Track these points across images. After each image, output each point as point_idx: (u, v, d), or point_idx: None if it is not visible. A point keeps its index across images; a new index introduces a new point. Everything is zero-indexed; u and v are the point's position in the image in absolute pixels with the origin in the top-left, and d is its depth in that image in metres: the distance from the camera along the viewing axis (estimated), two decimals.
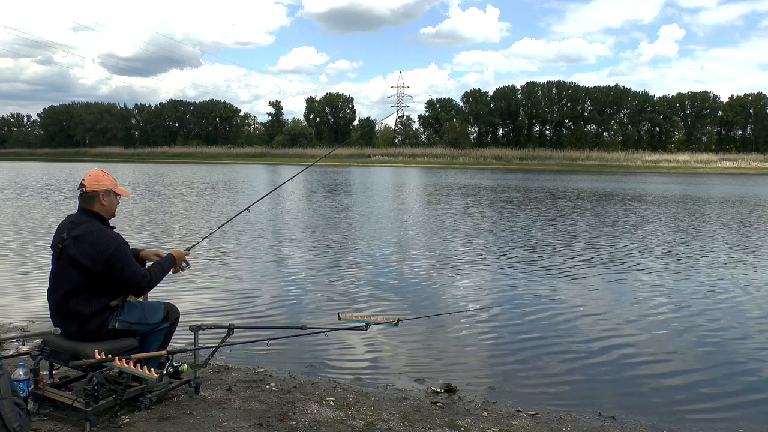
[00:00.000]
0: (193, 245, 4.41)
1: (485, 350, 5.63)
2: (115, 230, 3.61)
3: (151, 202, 20.55)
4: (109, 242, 3.44)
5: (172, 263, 3.85)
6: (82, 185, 3.57)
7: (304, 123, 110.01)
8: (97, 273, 3.42)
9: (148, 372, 3.21)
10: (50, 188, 27.18)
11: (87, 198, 3.56)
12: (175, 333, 3.94)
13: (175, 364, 3.68)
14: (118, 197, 3.70)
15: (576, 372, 5.04)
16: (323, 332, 4.60)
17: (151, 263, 3.81)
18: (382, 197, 25.55)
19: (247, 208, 5.00)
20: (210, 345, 4.13)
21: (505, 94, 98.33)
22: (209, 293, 7.54)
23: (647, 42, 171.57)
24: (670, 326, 6.41)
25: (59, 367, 3.65)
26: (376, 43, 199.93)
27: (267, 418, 3.64)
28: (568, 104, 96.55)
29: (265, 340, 4.50)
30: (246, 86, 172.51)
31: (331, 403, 4.01)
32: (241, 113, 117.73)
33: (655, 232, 14.55)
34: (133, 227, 13.57)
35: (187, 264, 4.00)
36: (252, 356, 5.11)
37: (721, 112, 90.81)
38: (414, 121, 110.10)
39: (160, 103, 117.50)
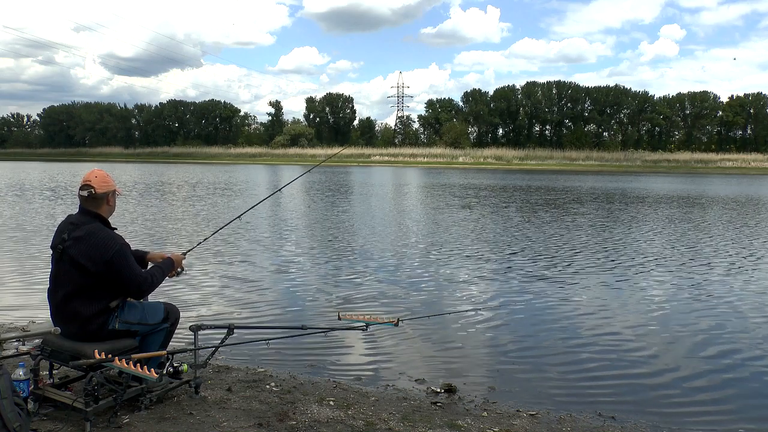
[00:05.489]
0: (189, 249, 4.41)
1: (485, 350, 5.63)
2: (116, 231, 3.61)
3: (155, 204, 20.55)
4: (111, 244, 3.44)
5: (171, 266, 3.86)
6: (89, 187, 3.50)
7: (304, 123, 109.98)
8: (98, 274, 3.41)
9: (148, 372, 3.21)
10: (50, 188, 27.17)
11: (95, 200, 3.52)
12: (175, 333, 3.95)
13: (175, 364, 3.68)
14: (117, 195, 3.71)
15: (576, 372, 5.05)
16: (323, 332, 4.60)
17: (152, 266, 3.81)
18: (383, 198, 25.55)
19: (238, 216, 5.05)
20: (210, 345, 4.13)
21: (505, 94, 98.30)
22: (209, 293, 7.54)
23: (648, 42, 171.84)
24: (671, 326, 6.41)
25: (59, 367, 3.65)
26: (376, 44, 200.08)
27: (267, 418, 3.64)
28: (568, 104, 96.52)
29: (265, 340, 4.50)
30: (247, 86, 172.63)
31: (331, 403, 4.01)
32: (241, 113, 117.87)
33: (660, 233, 14.55)
34: (135, 229, 13.57)
35: (183, 269, 4.01)
36: (252, 356, 5.11)
37: (721, 112, 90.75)
38: (414, 121, 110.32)
39: (160, 103, 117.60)
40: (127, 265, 3.50)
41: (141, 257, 3.85)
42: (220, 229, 5.30)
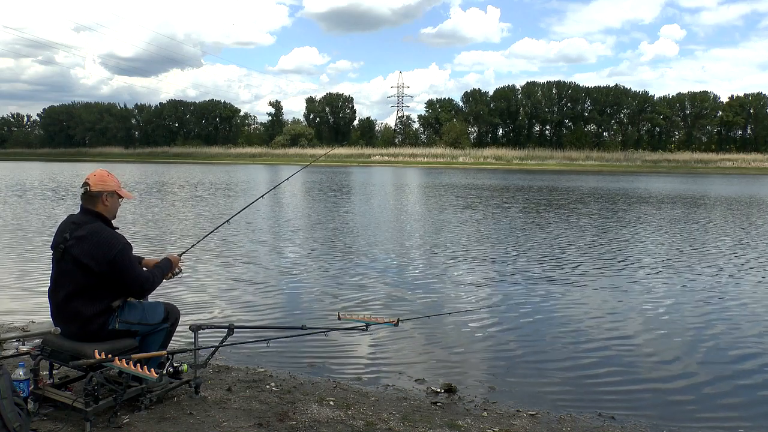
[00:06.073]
0: (185, 251, 4.42)
1: (485, 350, 5.63)
2: (118, 231, 3.61)
3: (156, 204, 20.54)
4: (113, 244, 3.45)
5: (169, 267, 3.87)
6: (86, 184, 3.55)
7: (304, 123, 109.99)
8: (100, 274, 3.41)
9: (148, 372, 3.22)
10: (50, 189, 27.17)
11: (90, 197, 3.55)
12: (175, 333, 3.95)
13: (175, 364, 3.68)
14: (120, 200, 3.70)
15: (576, 372, 5.04)
16: (323, 332, 4.60)
17: (152, 266, 3.81)
18: (383, 198, 25.55)
19: (227, 221, 5.06)
20: (210, 345, 4.13)
21: (505, 94, 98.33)
22: (209, 293, 7.54)
23: (648, 42, 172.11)
24: (671, 327, 6.41)
25: (59, 367, 3.65)
26: (376, 44, 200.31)
27: (267, 418, 3.64)
28: (568, 104, 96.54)
29: (265, 340, 4.50)
30: (247, 86, 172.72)
31: (331, 403, 4.01)
32: (241, 113, 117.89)
33: (664, 234, 14.55)
34: (137, 229, 13.56)
35: (180, 270, 4.02)
36: (252, 356, 5.11)
37: (721, 112, 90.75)
38: (414, 121, 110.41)
39: (160, 103, 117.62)
40: (130, 264, 3.51)
41: (137, 261, 3.85)
42: (211, 232, 5.31)
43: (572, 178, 48.85)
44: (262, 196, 5.70)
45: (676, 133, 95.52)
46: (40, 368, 3.52)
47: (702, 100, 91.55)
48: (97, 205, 3.56)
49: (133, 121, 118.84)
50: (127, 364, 3.21)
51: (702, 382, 4.88)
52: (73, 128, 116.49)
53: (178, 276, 4.09)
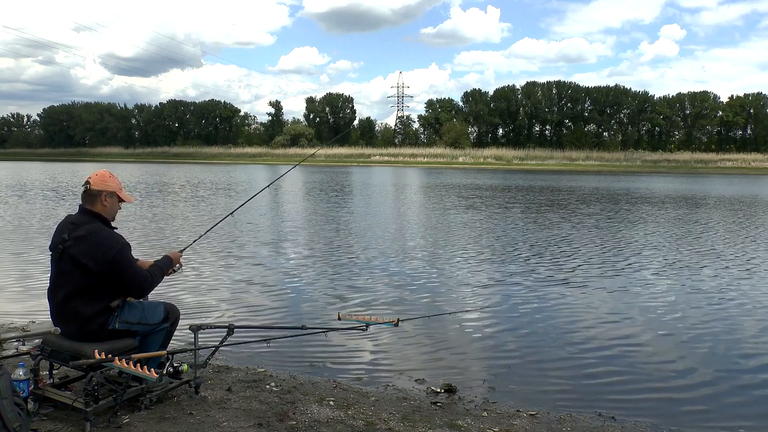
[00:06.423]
0: (186, 247, 4.42)
1: (485, 350, 5.63)
2: (116, 230, 3.61)
3: (158, 204, 20.54)
4: (112, 243, 3.44)
5: (169, 264, 3.87)
6: (87, 182, 3.56)
7: (304, 123, 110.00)
8: (99, 274, 3.41)
9: (148, 372, 3.21)
10: (51, 189, 27.16)
11: (89, 196, 3.55)
12: (175, 333, 3.95)
13: (175, 364, 3.68)
14: (120, 203, 3.70)
15: (576, 372, 5.04)
16: (323, 332, 4.60)
17: (151, 265, 3.81)
18: (384, 198, 25.54)
19: (231, 213, 5.08)
20: (210, 345, 4.13)
21: (505, 94, 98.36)
22: (209, 293, 7.54)
23: (648, 42, 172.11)
24: (671, 326, 6.41)
25: (59, 367, 3.65)
26: (376, 44, 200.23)
27: (267, 418, 3.64)
28: (568, 104, 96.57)
29: (265, 340, 4.50)
30: (247, 86, 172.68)
31: (331, 403, 4.01)
32: (241, 113, 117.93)
33: (662, 234, 14.55)
34: (139, 228, 13.56)
35: (181, 266, 4.02)
36: (252, 356, 5.12)
37: (721, 112, 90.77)
38: (414, 121, 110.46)
39: (160, 103, 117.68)
40: (129, 264, 3.51)
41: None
42: (215, 225, 5.32)
43: (573, 178, 48.82)
44: (265, 187, 5.72)
45: (676, 133, 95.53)
46: (40, 368, 3.52)
47: (702, 100, 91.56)
48: (96, 205, 3.56)
49: (133, 121, 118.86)
50: (127, 364, 3.21)
51: (702, 382, 4.87)
52: (73, 128, 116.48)
53: (179, 272, 4.09)
